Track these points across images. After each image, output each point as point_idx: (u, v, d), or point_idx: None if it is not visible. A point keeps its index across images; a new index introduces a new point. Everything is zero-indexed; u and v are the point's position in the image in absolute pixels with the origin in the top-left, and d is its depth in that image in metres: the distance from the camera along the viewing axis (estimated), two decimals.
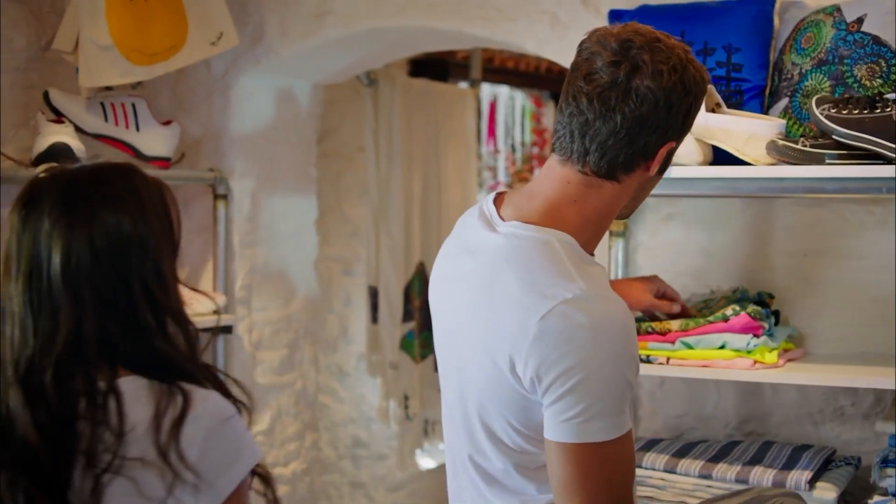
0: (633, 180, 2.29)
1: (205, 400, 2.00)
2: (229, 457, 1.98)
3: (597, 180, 2.27)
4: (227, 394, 2.08)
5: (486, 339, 2.24)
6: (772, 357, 3.01)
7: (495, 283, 2.24)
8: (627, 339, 2.18)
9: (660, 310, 3.11)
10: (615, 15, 3.32)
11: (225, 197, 4.16)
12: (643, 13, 3.27)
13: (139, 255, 2.03)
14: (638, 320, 3.08)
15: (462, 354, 2.33)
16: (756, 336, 3.01)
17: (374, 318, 5.53)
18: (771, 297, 3.25)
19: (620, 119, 2.21)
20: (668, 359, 3.09)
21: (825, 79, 3.01)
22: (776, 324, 3.18)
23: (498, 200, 2.38)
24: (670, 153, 2.31)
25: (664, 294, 3.10)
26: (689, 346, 3.07)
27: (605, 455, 2.16)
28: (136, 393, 1.98)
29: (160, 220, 2.10)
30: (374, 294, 5.51)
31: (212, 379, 2.09)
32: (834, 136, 2.81)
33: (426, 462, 6.09)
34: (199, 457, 1.95)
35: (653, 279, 3.11)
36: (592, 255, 2.33)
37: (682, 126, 2.27)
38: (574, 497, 2.17)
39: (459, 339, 2.34)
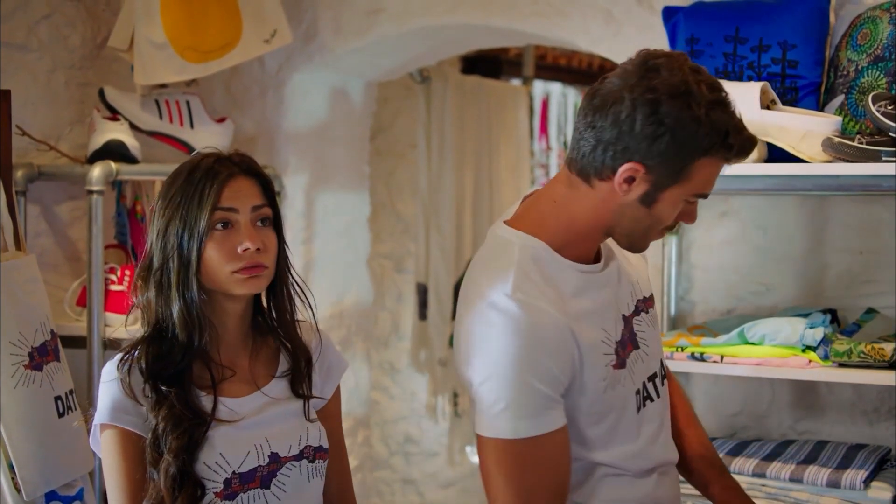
0: (604, 192, 2.27)
1: None
2: None
3: (574, 178, 2.30)
4: None
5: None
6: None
7: (466, 281, 2.41)
8: (536, 346, 2.22)
9: None
10: (669, 12, 3.31)
11: (278, 193, 4.15)
12: (697, 10, 3.26)
13: None
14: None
15: None
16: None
17: (423, 314, 5.54)
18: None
19: (591, 110, 2.24)
20: (722, 357, 3.07)
21: (881, 75, 2.99)
22: (833, 321, 3.16)
23: (525, 199, 2.46)
24: (651, 187, 2.24)
25: None
26: (746, 341, 3.06)
27: (511, 453, 2.24)
28: None
29: None
30: (422, 291, 5.52)
31: None
32: (890, 133, 2.79)
33: (477, 459, 6.09)
34: None
35: None
36: (585, 261, 2.36)
37: (646, 150, 2.21)
38: (486, 490, 2.30)
39: None
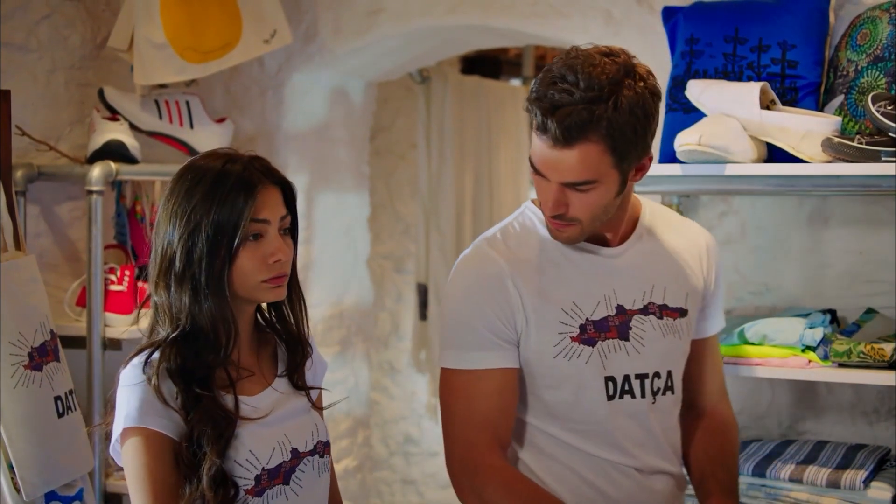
0: None
1: None
2: None
3: None
4: None
5: None
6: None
7: None
8: (479, 291, 2.46)
9: None
10: (669, 12, 3.31)
11: None
12: (697, 10, 3.26)
13: None
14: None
15: None
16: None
17: (423, 314, 5.54)
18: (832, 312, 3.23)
19: None
20: (722, 357, 3.07)
21: (881, 75, 2.98)
22: (833, 321, 3.17)
23: None
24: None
25: None
26: (746, 341, 3.06)
27: (451, 383, 2.49)
28: None
29: None
30: (423, 291, 5.52)
31: None
32: (890, 133, 2.79)
33: None
34: None
35: None
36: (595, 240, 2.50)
37: None
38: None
39: None
